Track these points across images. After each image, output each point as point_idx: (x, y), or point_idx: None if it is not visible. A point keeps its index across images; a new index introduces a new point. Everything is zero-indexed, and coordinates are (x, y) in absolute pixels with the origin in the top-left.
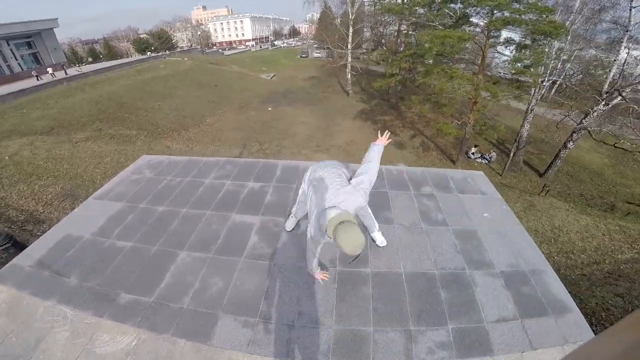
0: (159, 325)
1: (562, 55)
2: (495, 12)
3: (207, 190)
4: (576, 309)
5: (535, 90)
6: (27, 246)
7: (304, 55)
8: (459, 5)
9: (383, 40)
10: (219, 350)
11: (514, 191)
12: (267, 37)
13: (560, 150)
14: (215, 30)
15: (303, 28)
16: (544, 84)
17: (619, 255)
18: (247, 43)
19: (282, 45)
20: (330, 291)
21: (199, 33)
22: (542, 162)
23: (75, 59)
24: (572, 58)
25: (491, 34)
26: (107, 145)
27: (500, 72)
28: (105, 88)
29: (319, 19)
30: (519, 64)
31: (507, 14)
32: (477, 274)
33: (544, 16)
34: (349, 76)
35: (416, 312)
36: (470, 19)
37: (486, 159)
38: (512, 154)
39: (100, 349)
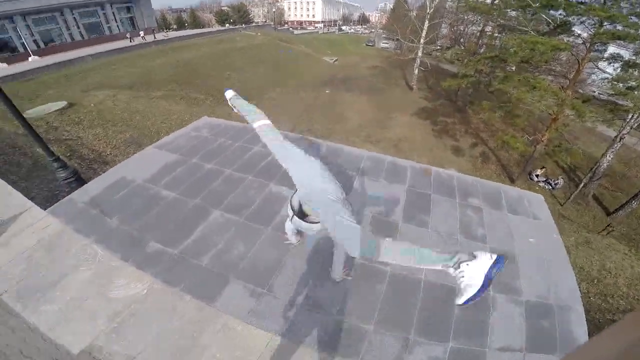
0: (173, 278)
1: None
2: (605, 23)
3: (253, 157)
4: None
5: (633, 116)
6: (87, 182)
7: (370, 44)
8: (560, 12)
9: (462, 39)
10: (219, 314)
11: (572, 225)
12: (335, 21)
13: None
14: (288, 8)
15: (373, 16)
16: None
17: None
18: (316, 25)
19: (349, 31)
20: (343, 281)
21: (273, 10)
22: (614, 199)
23: (164, 25)
24: None
25: (594, 47)
26: (177, 105)
27: (594, 91)
28: (184, 54)
29: (392, 9)
30: (620, 84)
31: (619, 27)
32: (500, 297)
33: None
34: (416, 71)
35: (422, 322)
36: (572, 28)
37: (550, 184)
38: (582, 184)
39: (113, 292)
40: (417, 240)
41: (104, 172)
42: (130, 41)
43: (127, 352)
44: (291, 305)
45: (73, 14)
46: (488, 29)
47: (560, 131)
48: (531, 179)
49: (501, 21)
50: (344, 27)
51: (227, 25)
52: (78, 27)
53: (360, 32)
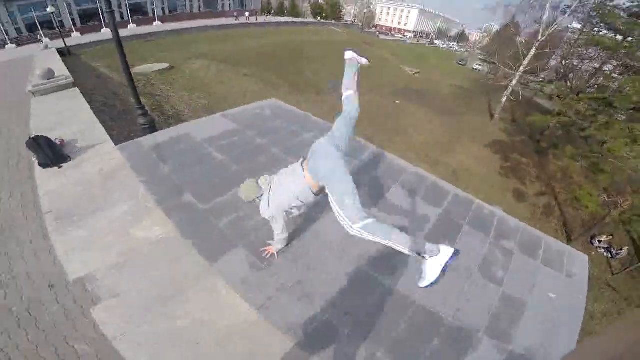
0: (190, 231)
1: None
2: None
3: (302, 142)
4: None
5: None
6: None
7: (461, 63)
8: None
9: (571, 75)
10: (211, 275)
11: (614, 294)
12: (428, 34)
13: None
14: (381, 12)
15: (473, 35)
16: None
17: None
18: (406, 34)
19: (442, 46)
20: (342, 280)
21: (365, 11)
22: None
23: (267, 8)
24: None
25: None
26: (256, 85)
27: None
28: (276, 39)
29: (497, 31)
30: None
31: None
32: (486, 341)
33: None
34: (504, 99)
35: (397, 342)
36: None
37: (611, 253)
38: None
39: (135, 231)
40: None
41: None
42: (236, 19)
43: (114, 289)
44: (284, 288)
45: None
46: (608, 67)
47: None
48: (592, 243)
49: (628, 61)
50: (436, 41)
51: (319, 18)
52: (199, 0)
53: (454, 49)
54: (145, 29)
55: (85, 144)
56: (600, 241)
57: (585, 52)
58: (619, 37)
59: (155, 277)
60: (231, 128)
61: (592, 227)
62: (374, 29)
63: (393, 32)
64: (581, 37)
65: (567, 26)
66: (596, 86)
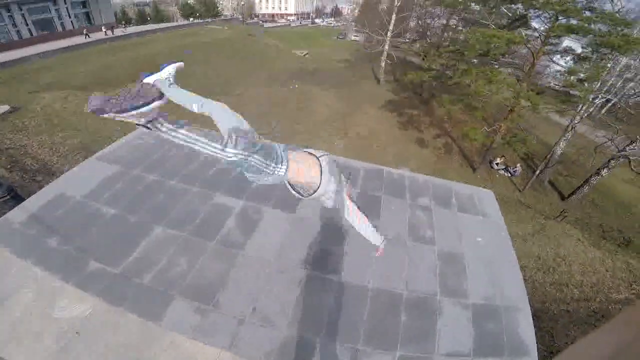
0: (115, 298)
1: (626, 73)
2: (560, 17)
3: (201, 165)
4: (535, 355)
5: (582, 106)
6: (24, 200)
7: (341, 37)
8: (519, 5)
9: (428, 33)
10: (165, 332)
11: (529, 212)
12: (308, 14)
13: (591, 176)
14: (259, 0)
15: (345, 9)
16: (596, 101)
17: (614, 295)
18: (289, 18)
19: (322, 24)
20: (291, 292)
21: (242, 3)
22: (568, 184)
23: (124, 19)
24: (639, 77)
25: (549, 40)
26: None
27: (549, 82)
28: (146, 49)
29: (363, 2)
30: (572, 77)
31: (573, 21)
32: (446, 301)
33: (619, 29)
34: (383, 64)
35: (370, 331)
36: (529, 22)
37: (510, 172)
38: (538, 171)
39: (58, 313)
40: (366, 244)
41: (48, 184)
42: (86, 37)
43: None
44: (239, 320)
45: (21, 10)
46: (453, 22)
47: (517, 122)
48: (492, 167)
49: (465, 15)
50: (317, 20)
51: (192, 19)
52: (27, 24)
53: (333, 25)
54: None
55: None
56: (497, 164)
57: (433, 10)
58: None
59: (108, 348)
60: (112, 172)
61: (485, 154)
62: (255, 18)
63: (276, 19)
64: None
65: None
66: (448, 39)
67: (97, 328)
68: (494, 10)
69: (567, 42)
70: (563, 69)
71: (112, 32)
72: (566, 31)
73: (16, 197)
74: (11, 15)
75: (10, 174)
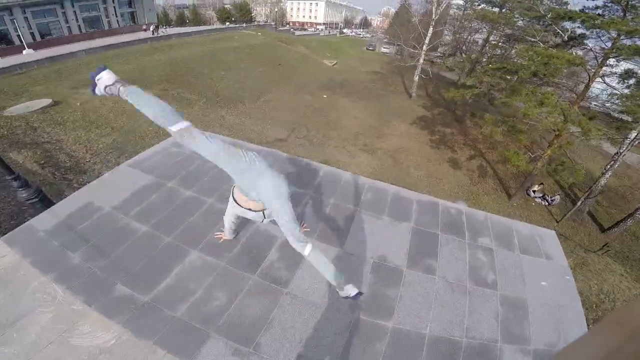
0: (144, 329)
1: None
2: (623, 37)
3: None
4: None
5: (637, 135)
6: (53, 203)
7: (370, 48)
8: (577, 24)
9: (464, 47)
10: None
11: (569, 244)
12: (336, 24)
13: (637, 210)
14: (291, 9)
15: (375, 20)
16: None
17: None
18: (318, 27)
19: (350, 34)
20: (340, 339)
21: (276, 10)
22: (608, 216)
23: (165, 21)
24: None
25: (606, 62)
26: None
27: (598, 106)
28: (180, 52)
29: (395, 14)
30: (629, 102)
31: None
32: (507, 348)
33: None
34: (416, 78)
35: None
36: (585, 41)
37: (547, 200)
38: (580, 202)
39: (77, 340)
40: (425, 287)
41: (79, 183)
42: (153, 33)
43: None
44: None
45: (73, 7)
46: (493, 37)
47: (565, 148)
48: (528, 194)
49: (508, 31)
50: (345, 30)
51: (227, 23)
52: (77, 21)
53: (361, 36)
54: (11, 60)
55: None
56: (534, 191)
57: (470, 25)
58: (496, 10)
59: None
60: (144, 182)
61: (524, 181)
62: (287, 26)
63: (306, 27)
64: (467, 12)
65: (449, 2)
66: (487, 55)
67: None
68: (547, 28)
69: (626, 65)
70: (619, 93)
71: (157, 31)
72: (631, 53)
73: (44, 200)
74: (64, 12)
75: (43, 170)
